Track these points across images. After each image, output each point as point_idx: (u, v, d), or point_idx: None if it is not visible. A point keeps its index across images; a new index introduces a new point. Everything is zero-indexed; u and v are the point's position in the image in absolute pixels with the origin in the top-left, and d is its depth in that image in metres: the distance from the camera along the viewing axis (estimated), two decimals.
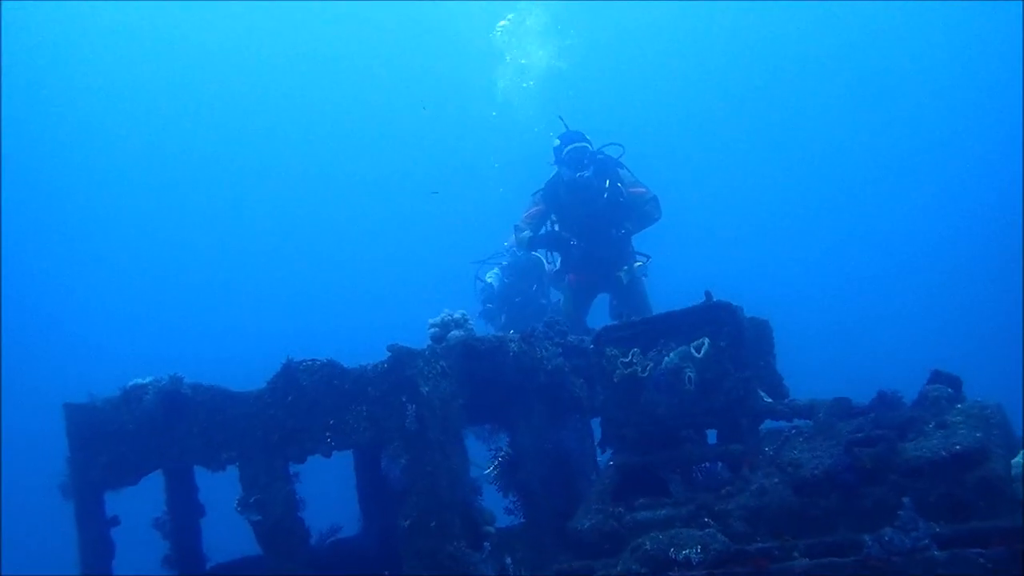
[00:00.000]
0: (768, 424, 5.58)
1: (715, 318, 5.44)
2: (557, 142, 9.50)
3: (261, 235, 38.82)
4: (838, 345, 25.54)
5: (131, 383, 5.78)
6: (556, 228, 9.68)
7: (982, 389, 5.35)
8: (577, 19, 24.08)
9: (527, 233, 9.58)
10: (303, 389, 5.31)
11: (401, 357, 5.10)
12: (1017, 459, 4.18)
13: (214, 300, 36.47)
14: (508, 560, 5.37)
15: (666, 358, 5.44)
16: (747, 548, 4.36)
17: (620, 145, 9.85)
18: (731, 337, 5.38)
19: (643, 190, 9.59)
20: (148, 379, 5.78)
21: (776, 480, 4.72)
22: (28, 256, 33.76)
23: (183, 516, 6.55)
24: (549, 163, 9.68)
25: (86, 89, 35.82)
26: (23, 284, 32.42)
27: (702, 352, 5.32)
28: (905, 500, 4.01)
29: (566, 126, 9.66)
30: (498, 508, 5.84)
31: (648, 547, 4.50)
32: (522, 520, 5.81)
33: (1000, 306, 26.09)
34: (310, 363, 5.35)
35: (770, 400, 5.56)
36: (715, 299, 5.51)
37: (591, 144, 9.48)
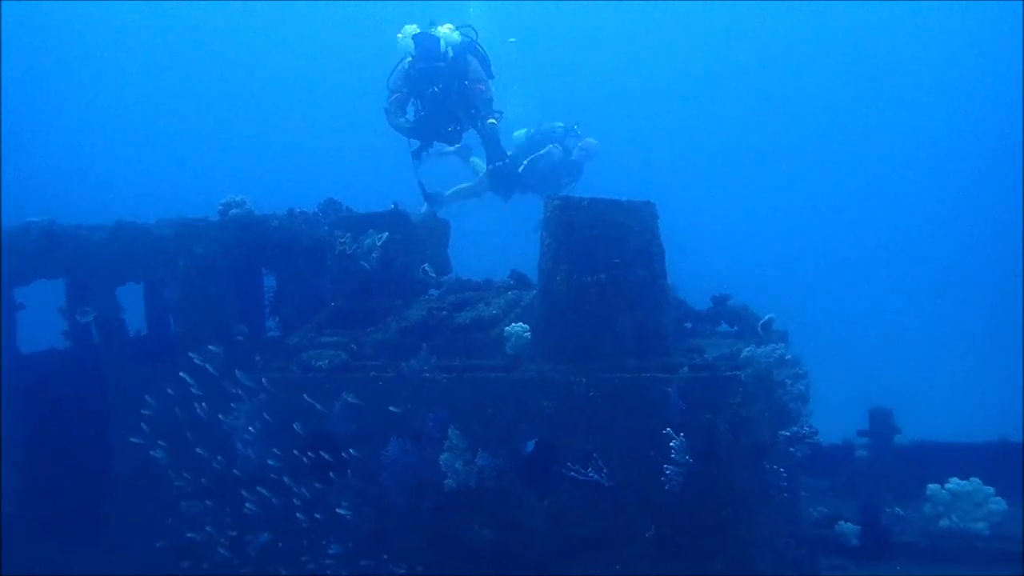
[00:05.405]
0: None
1: (396, 221, 8.32)
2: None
3: None
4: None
5: (25, 220, 8.77)
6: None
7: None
8: None
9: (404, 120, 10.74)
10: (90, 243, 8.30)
11: (180, 230, 8.06)
12: (511, 328, 7.09)
13: None
14: (258, 358, 8.45)
15: (365, 242, 8.35)
16: (356, 362, 7.41)
17: (472, 27, 10.86)
18: (404, 233, 8.28)
19: (483, 88, 10.89)
20: (37, 219, 8.76)
21: (395, 327, 7.72)
22: None
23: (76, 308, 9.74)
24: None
25: None
26: None
27: (381, 241, 8.21)
28: (423, 345, 7.00)
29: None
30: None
31: (304, 357, 7.57)
32: (277, 335, 8.89)
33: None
34: (134, 223, 8.32)
35: (434, 275, 8.50)
36: (400, 208, 8.39)
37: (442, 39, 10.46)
